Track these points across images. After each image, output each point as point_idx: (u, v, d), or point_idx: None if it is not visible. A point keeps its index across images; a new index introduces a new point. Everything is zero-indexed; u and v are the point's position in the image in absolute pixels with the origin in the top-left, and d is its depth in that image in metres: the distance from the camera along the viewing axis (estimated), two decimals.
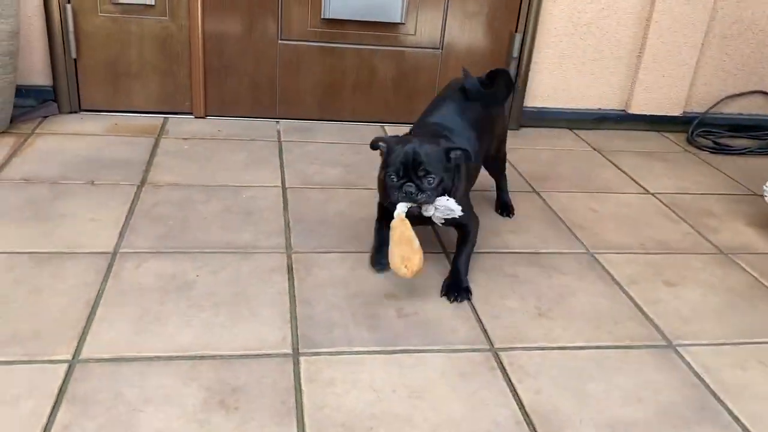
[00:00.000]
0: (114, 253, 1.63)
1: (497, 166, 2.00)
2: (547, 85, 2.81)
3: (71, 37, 2.38)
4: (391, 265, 1.45)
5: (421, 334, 1.44)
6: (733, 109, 3.02)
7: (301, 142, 2.45)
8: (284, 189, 2.06)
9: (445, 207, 1.48)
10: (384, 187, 1.52)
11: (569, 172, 2.41)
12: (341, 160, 2.33)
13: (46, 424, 1.12)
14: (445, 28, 2.63)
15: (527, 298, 1.61)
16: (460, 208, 1.49)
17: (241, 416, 1.17)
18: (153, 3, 2.39)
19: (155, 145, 2.29)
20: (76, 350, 1.29)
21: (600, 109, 2.91)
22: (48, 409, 1.14)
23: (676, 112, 2.94)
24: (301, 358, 1.33)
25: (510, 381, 1.32)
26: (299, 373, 1.29)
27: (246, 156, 2.28)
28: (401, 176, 1.46)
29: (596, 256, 1.83)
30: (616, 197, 2.23)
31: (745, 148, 2.80)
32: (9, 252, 1.59)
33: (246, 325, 1.41)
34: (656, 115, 2.93)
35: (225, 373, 1.27)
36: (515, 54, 2.69)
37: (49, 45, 2.39)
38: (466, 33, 2.65)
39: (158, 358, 1.29)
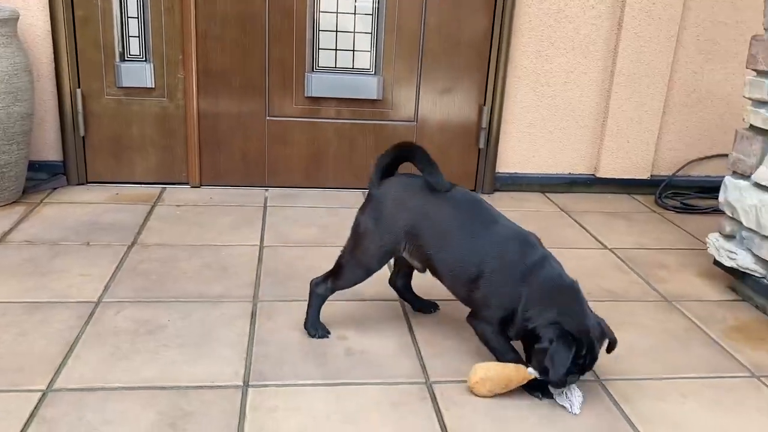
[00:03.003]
0: (97, 303, 1.82)
1: None
2: (518, 153, 3.02)
3: (80, 117, 2.67)
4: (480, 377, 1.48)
5: (364, 369, 1.58)
6: (700, 171, 3.18)
7: (285, 207, 2.66)
8: (261, 247, 2.25)
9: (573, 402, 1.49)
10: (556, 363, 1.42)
11: (532, 229, 2.57)
12: (318, 221, 2.53)
13: None
14: (418, 103, 2.88)
15: (469, 339, 1.74)
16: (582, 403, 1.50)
17: None
18: (153, 86, 2.69)
19: (150, 212, 2.52)
20: (50, 381, 1.46)
21: (570, 173, 3.10)
22: (17, 430, 1.31)
23: (644, 176, 3.11)
24: (250, 389, 1.48)
25: (437, 407, 1.45)
26: (246, 402, 1.44)
27: (231, 219, 2.49)
28: (577, 369, 1.44)
29: None
30: (574, 251, 2.38)
31: (710, 208, 2.94)
32: (4, 302, 1.79)
33: (206, 361, 1.58)
34: (625, 179, 3.10)
35: (180, 401, 1.43)
36: (484, 125, 2.92)
37: (60, 124, 2.68)
38: (438, 106, 2.89)
39: (122, 388, 1.46)
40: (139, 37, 2.65)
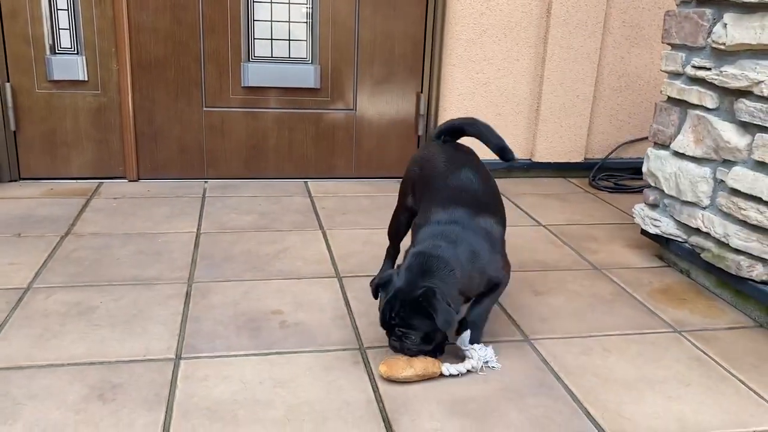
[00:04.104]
0: (27, 289, 1.79)
1: None
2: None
3: (10, 112, 2.61)
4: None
5: (297, 339, 1.60)
6: (632, 154, 3.30)
7: (224, 197, 2.66)
8: (198, 234, 2.24)
9: (480, 358, 1.48)
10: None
11: None
12: (257, 209, 2.53)
13: None
14: (356, 92, 2.91)
15: None
16: (495, 357, 1.50)
17: (116, 405, 1.31)
18: (86, 78, 2.65)
19: (85, 205, 2.48)
20: None
21: None
22: None
23: (578, 159, 3.21)
24: (182, 362, 1.48)
25: (370, 370, 1.48)
26: (177, 372, 1.44)
27: (169, 210, 2.47)
28: (385, 326, 1.43)
29: None
30: (510, 229, 2.41)
31: (642, 187, 3.04)
32: None
33: (137, 338, 1.57)
34: (560, 163, 3.19)
35: (109, 375, 1.41)
36: (422, 112, 2.97)
37: None
38: (376, 95, 2.93)
39: (50, 365, 1.44)
40: (69, 29, 2.61)
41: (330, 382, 1.43)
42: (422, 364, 1.44)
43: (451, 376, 1.46)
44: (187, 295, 1.80)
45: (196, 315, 1.69)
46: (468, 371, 1.48)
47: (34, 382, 1.37)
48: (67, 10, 2.59)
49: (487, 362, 1.50)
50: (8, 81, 2.59)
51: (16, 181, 2.70)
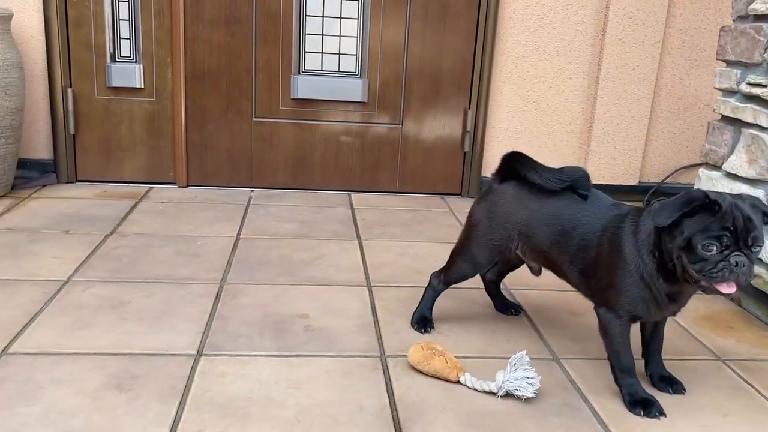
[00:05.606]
0: (66, 281, 1.85)
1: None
2: None
3: (71, 116, 2.74)
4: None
5: (320, 343, 1.59)
6: (689, 179, 3.16)
7: (268, 205, 2.69)
8: (237, 238, 2.27)
9: (503, 383, 1.39)
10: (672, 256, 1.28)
11: None
12: (298, 218, 2.55)
13: None
14: (403, 107, 2.91)
15: (441, 317, 1.74)
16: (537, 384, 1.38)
17: (132, 395, 1.33)
18: (142, 86, 2.75)
19: (134, 207, 2.56)
20: (6, 346, 1.48)
21: None
22: None
23: (632, 182, 3.10)
24: (202, 358, 1.49)
25: (388, 377, 1.45)
26: (196, 368, 1.45)
27: (213, 215, 2.52)
28: (726, 245, 1.21)
29: (512, 291, 1.96)
30: None
31: None
32: None
33: (163, 333, 1.59)
34: (613, 185, 3.08)
35: (130, 366, 1.44)
36: (469, 128, 2.94)
37: (51, 123, 2.75)
38: (423, 110, 2.92)
39: (75, 353, 1.47)
40: (129, 39, 2.72)
41: (346, 387, 1.40)
42: (440, 366, 1.44)
43: (468, 388, 1.42)
44: (218, 295, 1.81)
45: (224, 314, 1.70)
46: (487, 392, 1.41)
47: (58, 368, 1.41)
48: (128, 20, 2.70)
49: (508, 390, 1.39)
50: (70, 86, 2.72)
51: (72, 182, 2.82)
